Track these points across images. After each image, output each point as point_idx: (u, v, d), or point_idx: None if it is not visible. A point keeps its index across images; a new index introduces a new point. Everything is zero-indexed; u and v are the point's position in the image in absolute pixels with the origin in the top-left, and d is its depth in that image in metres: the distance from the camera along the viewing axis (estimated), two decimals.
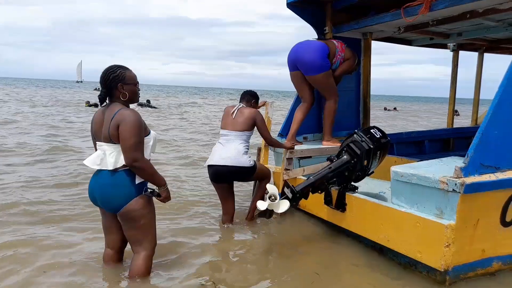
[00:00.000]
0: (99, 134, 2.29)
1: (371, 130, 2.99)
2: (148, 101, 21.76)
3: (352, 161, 2.95)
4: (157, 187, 2.33)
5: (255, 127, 3.41)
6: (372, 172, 3.07)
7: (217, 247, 3.07)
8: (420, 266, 2.55)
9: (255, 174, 3.42)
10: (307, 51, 3.80)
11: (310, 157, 3.85)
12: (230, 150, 3.30)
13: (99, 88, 2.48)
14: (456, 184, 2.23)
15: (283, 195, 2.73)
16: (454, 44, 5.56)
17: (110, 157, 2.23)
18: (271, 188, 2.68)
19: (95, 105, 17.87)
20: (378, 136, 2.97)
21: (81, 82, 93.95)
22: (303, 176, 3.72)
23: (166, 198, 2.38)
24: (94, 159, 2.27)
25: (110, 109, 2.26)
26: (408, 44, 5.27)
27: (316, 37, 4.36)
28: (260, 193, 3.48)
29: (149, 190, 2.32)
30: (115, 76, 2.26)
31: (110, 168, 2.24)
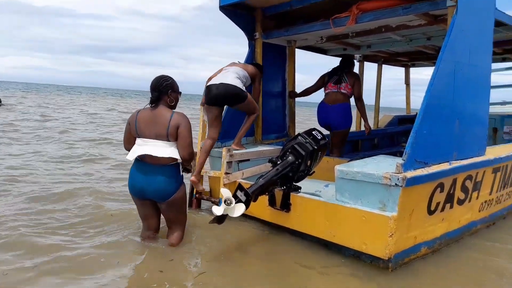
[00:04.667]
0: (148, 132, 2.74)
1: (313, 132, 3.15)
2: None
3: (297, 162, 3.06)
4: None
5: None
6: (314, 172, 3.22)
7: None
8: (364, 257, 2.76)
9: (247, 102, 3.81)
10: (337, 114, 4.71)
11: (248, 160, 3.87)
12: (229, 76, 3.75)
13: None
14: (398, 179, 2.48)
15: (235, 199, 2.69)
16: (360, 55, 6.19)
17: (170, 152, 2.72)
18: (225, 192, 2.61)
19: None
20: (319, 138, 3.13)
21: None
22: (242, 179, 3.73)
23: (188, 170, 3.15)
24: (151, 152, 2.69)
25: (160, 111, 2.75)
26: (324, 53, 5.69)
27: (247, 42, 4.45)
28: (247, 125, 3.99)
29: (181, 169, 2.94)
30: (167, 83, 2.79)
31: (171, 161, 2.75)
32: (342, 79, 4.70)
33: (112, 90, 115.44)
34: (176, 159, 2.78)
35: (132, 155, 2.77)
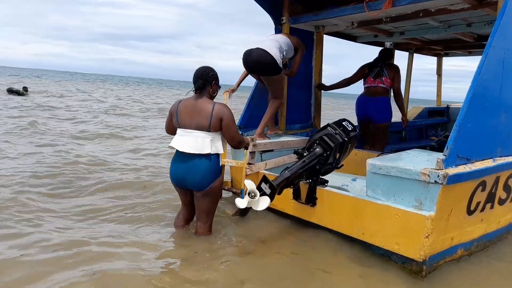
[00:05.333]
0: (188, 123, 2.73)
1: (343, 123, 2.96)
2: (25, 88, 17.58)
3: (325, 154, 2.89)
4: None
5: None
6: (342, 165, 3.04)
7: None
8: (395, 257, 2.58)
9: (277, 78, 3.72)
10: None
11: (272, 150, 3.72)
12: (267, 43, 3.65)
13: None
14: (438, 176, 2.27)
15: (260, 191, 2.55)
16: (391, 43, 5.88)
17: (210, 143, 2.71)
18: (249, 184, 2.48)
19: None
20: (350, 129, 2.94)
21: None
22: (265, 170, 3.58)
23: (248, 144, 3.18)
24: (191, 145, 2.71)
25: (202, 102, 2.74)
26: (353, 40, 5.42)
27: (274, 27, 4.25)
28: (271, 113, 3.87)
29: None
30: (213, 74, 2.82)
31: (212, 152, 2.72)
32: (382, 73, 4.61)
33: (133, 78, 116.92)
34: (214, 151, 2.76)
35: (172, 145, 2.79)
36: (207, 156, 2.72)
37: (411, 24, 4.40)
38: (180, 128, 2.78)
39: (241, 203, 2.41)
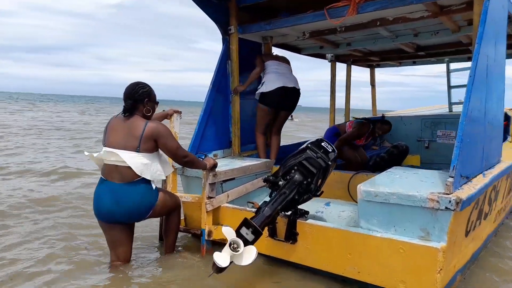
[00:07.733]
0: (115, 142, 2.42)
1: (322, 144, 2.56)
2: None
3: (305, 182, 2.47)
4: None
5: None
6: (322, 192, 2.64)
7: None
8: None
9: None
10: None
11: (233, 179, 3.19)
12: (295, 80, 3.95)
13: None
14: (450, 202, 1.97)
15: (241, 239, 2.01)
16: (332, 55, 5.77)
17: (141, 166, 2.40)
18: (229, 232, 1.93)
19: None
20: (330, 150, 2.56)
21: None
22: (227, 203, 3.04)
23: (214, 166, 2.82)
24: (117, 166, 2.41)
25: (133, 122, 2.45)
26: (298, 52, 5.17)
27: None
28: (276, 147, 4.15)
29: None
30: (144, 91, 2.52)
31: (144, 175, 2.42)
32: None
33: (23, 95, 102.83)
34: (141, 176, 2.45)
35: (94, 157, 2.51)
36: (135, 180, 2.43)
37: (362, 34, 4.26)
38: (105, 147, 2.48)
39: (223, 260, 1.85)
